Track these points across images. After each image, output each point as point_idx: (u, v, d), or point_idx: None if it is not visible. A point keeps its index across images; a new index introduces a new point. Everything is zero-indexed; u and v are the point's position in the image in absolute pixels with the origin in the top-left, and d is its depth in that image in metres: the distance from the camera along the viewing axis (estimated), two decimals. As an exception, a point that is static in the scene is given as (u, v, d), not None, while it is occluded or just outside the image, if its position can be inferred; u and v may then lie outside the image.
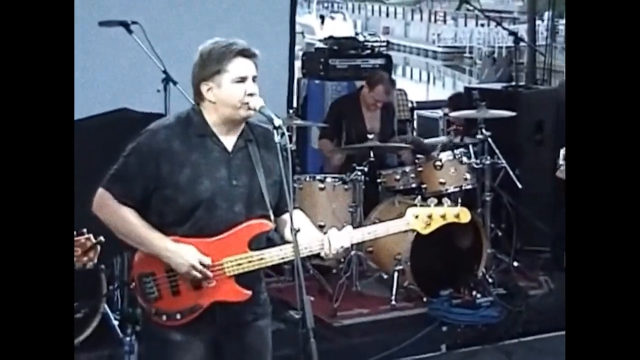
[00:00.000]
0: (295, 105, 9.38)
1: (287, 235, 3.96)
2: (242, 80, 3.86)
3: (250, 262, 3.89)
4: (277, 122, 3.79)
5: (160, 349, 4.00)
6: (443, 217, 4.07)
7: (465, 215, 4.11)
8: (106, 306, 6.16)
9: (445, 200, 4.11)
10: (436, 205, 4.06)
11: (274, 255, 3.91)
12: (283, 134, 3.79)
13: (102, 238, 3.79)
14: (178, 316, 3.91)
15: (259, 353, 4.10)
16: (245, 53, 3.90)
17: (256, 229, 3.92)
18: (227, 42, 3.90)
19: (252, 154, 3.94)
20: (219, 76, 3.87)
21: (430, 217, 4.05)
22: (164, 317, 3.92)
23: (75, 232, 3.75)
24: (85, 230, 3.83)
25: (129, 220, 3.88)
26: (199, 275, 3.85)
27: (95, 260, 3.80)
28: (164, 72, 6.26)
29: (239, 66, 3.87)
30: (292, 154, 4.94)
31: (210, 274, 3.86)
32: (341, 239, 3.96)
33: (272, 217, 3.94)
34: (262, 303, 4.10)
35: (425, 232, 4.08)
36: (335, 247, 3.94)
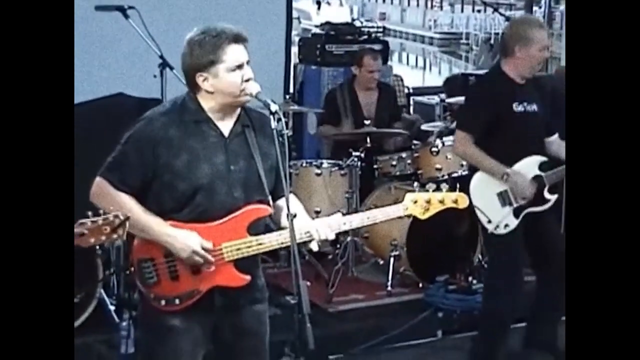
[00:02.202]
0: (291, 90, 9.38)
1: (283, 221, 3.99)
2: (239, 67, 3.85)
3: (249, 247, 3.90)
4: (274, 107, 3.78)
5: (158, 334, 4.00)
6: (441, 202, 4.08)
7: (463, 201, 4.13)
8: (102, 291, 6.16)
9: (444, 185, 4.12)
10: (434, 190, 4.07)
11: (272, 241, 3.92)
12: (279, 119, 3.78)
13: (129, 214, 3.75)
14: (177, 301, 3.92)
15: (256, 337, 4.12)
16: (237, 39, 3.87)
17: (255, 214, 3.93)
18: (216, 30, 3.86)
19: (249, 139, 3.95)
20: (215, 66, 3.84)
21: (428, 202, 4.07)
22: (163, 302, 3.93)
23: (102, 212, 3.75)
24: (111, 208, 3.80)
25: (128, 207, 3.85)
26: (200, 260, 3.86)
27: (125, 237, 3.79)
28: (161, 57, 6.25)
29: (234, 54, 3.85)
30: (289, 140, 4.93)
31: (211, 258, 3.87)
32: (325, 231, 3.96)
33: (270, 202, 3.95)
34: (260, 288, 4.11)
35: (424, 217, 4.09)
36: (321, 237, 3.95)
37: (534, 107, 5.48)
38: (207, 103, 3.91)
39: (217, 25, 3.89)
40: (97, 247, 6.14)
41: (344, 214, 4.04)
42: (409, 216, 4.18)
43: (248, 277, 3.94)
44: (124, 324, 5.81)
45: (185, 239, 3.84)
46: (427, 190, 4.08)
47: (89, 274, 6.10)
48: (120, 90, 6.44)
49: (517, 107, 5.48)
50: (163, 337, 3.99)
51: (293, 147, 8.46)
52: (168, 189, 3.88)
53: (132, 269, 3.98)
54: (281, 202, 3.97)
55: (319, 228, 3.96)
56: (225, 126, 3.94)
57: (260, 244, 3.91)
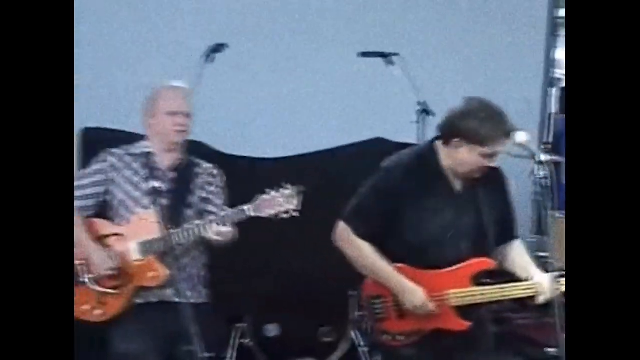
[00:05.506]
0: (547, 140, 9.23)
1: (508, 266, 4.27)
2: (492, 155, 4.04)
3: (472, 296, 4.13)
4: (543, 157, 4.00)
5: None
6: None
7: None
8: (356, 332, 6.24)
9: None
10: None
11: (495, 293, 4.15)
12: (544, 170, 4.03)
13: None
14: (401, 338, 4.19)
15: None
16: (511, 136, 4.04)
17: (480, 267, 4.15)
18: (507, 123, 4.03)
19: (478, 192, 4.14)
20: (482, 147, 4.02)
21: None
22: (388, 337, 4.21)
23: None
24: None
25: (365, 255, 4.16)
26: (421, 313, 4.11)
27: (300, 207, 4.27)
28: (422, 103, 6.30)
29: (502, 146, 4.04)
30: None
31: (432, 312, 4.11)
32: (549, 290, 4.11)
33: (493, 254, 4.18)
34: (482, 325, 4.28)
35: None
36: (545, 297, 4.14)
37: None
38: (446, 160, 4.11)
39: (504, 114, 4.04)
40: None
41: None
42: None
43: (468, 323, 4.16)
44: (376, 365, 5.84)
45: (411, 294, 4.11)
46: None
47: (340, 313, 6.20)
48: (379, 135, 6.54)
49: None
50: None
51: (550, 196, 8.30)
52: (399, 239, 4.13)
53: (362, 304, 4.27)
54: (506, 248, 4.25)
55: (546, 285, 4.11)
56: (457, 182, 4.13)
57: (482, 294, 4.13)
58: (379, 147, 6.44)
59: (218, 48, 6.09)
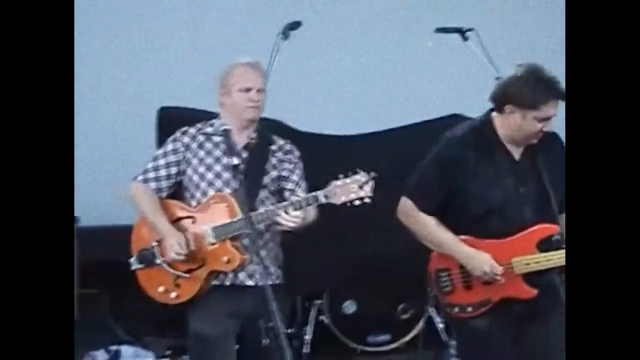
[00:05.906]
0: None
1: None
2: (547, 119, 4.07)
3: (537, 262, 4.13)
4: None
5: (467, 336, 4.31)
6: None
7: None
8: (432, 309, 6.24)
9: None
10: None
11: (561, 257, 4.06)
12: None
13: (374, 173, 4.28)
14: (469, 309, 4.21)
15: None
16: (562, 97, 4.01)
17: (543, 232, 4.15)
18: (556, 84, 4.02)
19: (538, 160, 4.16)
20: (532, 111, 4.04)
21: None
22: (456, 309, 4.24)
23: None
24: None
25: (429, 227, 4.21)
26: (489, 279, 4.12)
27: (371, 194, 4.27)
28: (499, 79, 6.22)
29: (553, 109, 4.05)
30: None
31: (499, 279, 4.12)
32: None
33: (558, 219, 4.15)
34: (553, 294, 4.18)
35: None
36: None
37: None
38: (502, 129, 4.15)
39: (555, 77, 4.04)
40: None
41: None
42: None
43: (535, 291, 4.16)
44: (453, 342, 5.84)
45: (477, 260, 4.13)
46: None
47: (418, 291, 6.19)
48: (457, 112, 6.48)
49: None
50: (471, 338, 4.28)
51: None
52: (463, 209, 4.17)
53: (430, 277, 4.29)
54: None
55: None
56: (516, 150, 4.17)
57: (548, 260, 4.13)
58: (455, 124, 6.38)
59: (293, 25, 6.09)
